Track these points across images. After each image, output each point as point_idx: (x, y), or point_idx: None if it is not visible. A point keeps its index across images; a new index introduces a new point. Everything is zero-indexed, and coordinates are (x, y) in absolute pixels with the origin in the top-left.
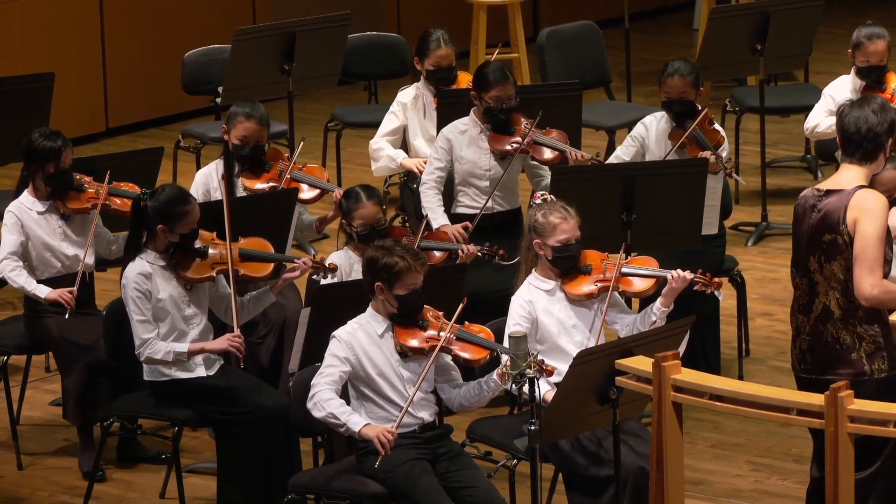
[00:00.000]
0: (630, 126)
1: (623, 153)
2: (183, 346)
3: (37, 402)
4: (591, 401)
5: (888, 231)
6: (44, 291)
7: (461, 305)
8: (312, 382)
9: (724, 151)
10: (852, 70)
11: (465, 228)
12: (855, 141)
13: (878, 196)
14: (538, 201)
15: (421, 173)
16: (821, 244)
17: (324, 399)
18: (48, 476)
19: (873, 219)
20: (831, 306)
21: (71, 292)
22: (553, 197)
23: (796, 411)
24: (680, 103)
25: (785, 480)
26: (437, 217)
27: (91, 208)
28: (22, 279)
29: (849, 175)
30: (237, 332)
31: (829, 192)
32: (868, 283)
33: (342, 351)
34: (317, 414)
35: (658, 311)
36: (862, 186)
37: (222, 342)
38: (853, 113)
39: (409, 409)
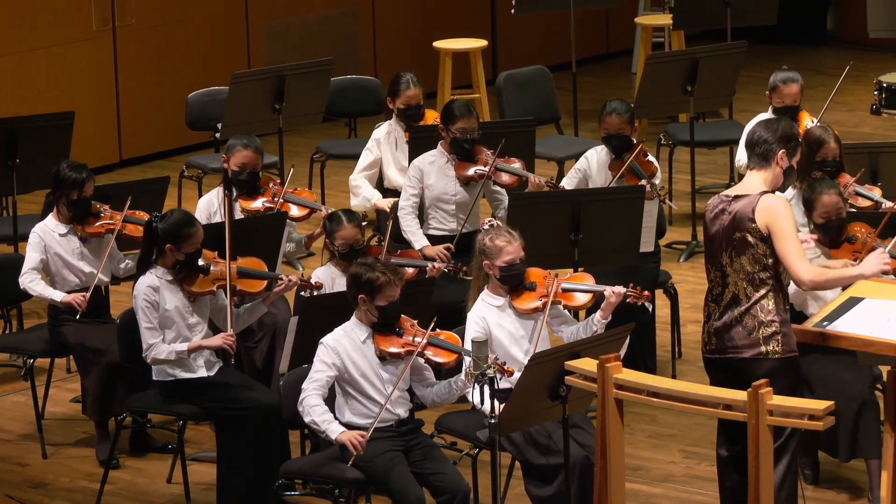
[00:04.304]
0: (577, 157)
1: (567, 183)
2: (183, 346)
3: (59, 400)
4: (544, 397)
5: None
6: (59, 296)
7: (434, 319)
8: (303, 386)
9: (658, 180)
10: (769, 109)
11: (448, 250)
12: (750, 146)
13: (780, 198)
14: (486, 227)
15: (391, 210)
16: (732, 241)
17: (311, 405)
18: (69, 464)
19: (784, 218)
20: (739, 294)
21: (83, 296)
22: (499, 222)
23: (722, 406)
24: (617, 138)
25: (713, 466)
26: (417, 239)
27: (105, 233)
28: (39, 288)
29: (751, 181)
30: (230, 332)
31: (737, 197)
32: (802, 269)
33: (329, 357)
34: (304, 418)
35: (598, 322)
36: (765, 192)
37: (217, 340)
38: (754, 127)
39: (388, 406)
